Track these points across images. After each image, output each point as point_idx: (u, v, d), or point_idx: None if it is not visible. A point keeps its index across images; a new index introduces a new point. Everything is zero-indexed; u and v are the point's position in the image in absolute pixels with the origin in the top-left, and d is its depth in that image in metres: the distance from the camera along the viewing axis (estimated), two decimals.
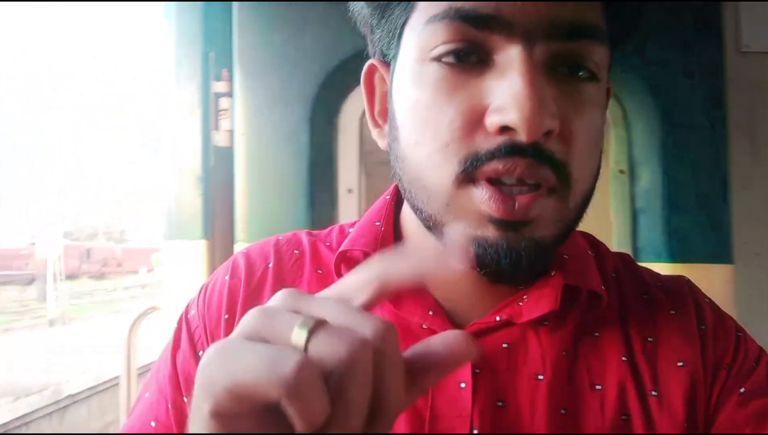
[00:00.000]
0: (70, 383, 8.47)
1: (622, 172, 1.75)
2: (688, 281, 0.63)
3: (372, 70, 0.60)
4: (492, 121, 0.46)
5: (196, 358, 0.59)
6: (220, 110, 1.33)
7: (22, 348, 12.13)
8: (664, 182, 1.45)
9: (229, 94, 1.32)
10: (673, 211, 1.40)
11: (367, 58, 0.60)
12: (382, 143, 0.60)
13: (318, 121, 1.26)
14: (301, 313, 0.32)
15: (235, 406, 0.30)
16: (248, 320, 0.33)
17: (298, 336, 0.31)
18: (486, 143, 0.46)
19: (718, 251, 1.38)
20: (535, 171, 0.46)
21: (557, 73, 0.47)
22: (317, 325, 0.31)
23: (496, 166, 0.46)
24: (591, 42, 0.48)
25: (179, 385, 0.58)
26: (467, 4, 0.46)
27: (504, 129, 0.45)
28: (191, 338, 0.60)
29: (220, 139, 1.33)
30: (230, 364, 0.30)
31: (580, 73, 0.48)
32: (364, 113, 1.35)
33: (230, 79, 1.32)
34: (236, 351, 0.30)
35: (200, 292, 0.64)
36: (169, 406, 0.58)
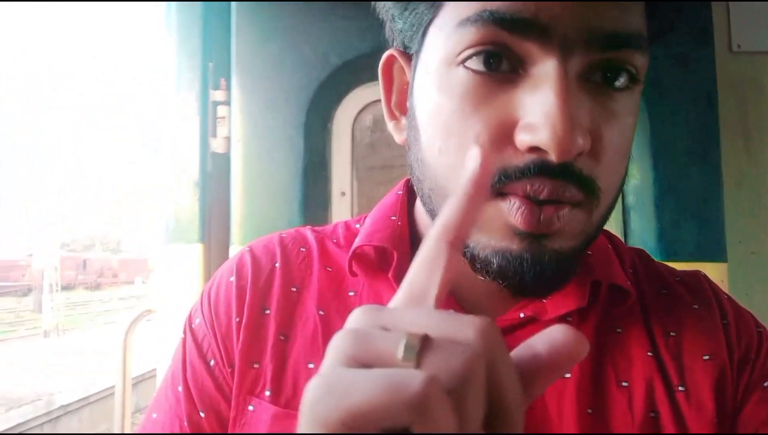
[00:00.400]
0: (63, 394, 8.45)
1: None
2: (705, 276, 0.62)
3: (391, 60, 0.58)
4: (522, 139, 0.44)
5: (208, 369, 0.56)
6: (218, 118, 1.37)
7: (17, 358, 12.08)
8: (655, 180, 1.45)
9: (227, 103, 1.36)
10: (665, 208, 1.41)
11: (377, 51, 0.58)
12: (397, 137, 0.58)
13: (312, 127, 1.31)
14: (394, 331, 0.31)
15: None
16: (339, 346, 0.31)
17: (407, 355, 0.29)
18: (514, 160, 0.45)
19: (711, 249, 1.38)
20: (562, 191, 0.45)
21: (592, 82, 0.46)
22: (424, 343, 0.29)
23: (524, 185, 0.44)
24: (632, 51, 0.45)
25: (193, 400, 0.56)
26: (503, 6, 0.44)
27: (533, 148, 0.44)
28: (199, 349, 0.58)
29: (217, 145, 1.37)
30: (343, 396, 0.28)
31: (617, 83, 0.46)
32: (356, 119, 1.39)
33: (228, 88, 1.36)
34: (345, 381, 0.29)
35: (203, 298, 0.61)
36: (185, 423, 0.56)
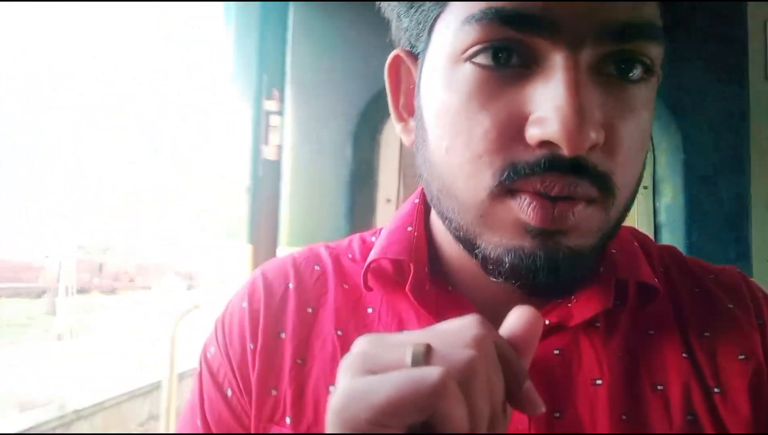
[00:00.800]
0: (76, 398, 8.63)
1: (645, 187, 1.91)
2: (741, 273, 0.60)
3: (397, 60, 0.57)
4: (532, 133, 0.43)
5: (225, 400, 0.57)
6: (270, 126, 1.51)
7: (29, 361, 12.32)
8: (686, 199, 1.59)
9: (279, 113, 1.50)
10: (694, 226, 1.52)
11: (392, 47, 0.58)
12: (406, 139, 0.58)
13: (361, 137, 1.44)
14: (399, 346, 0.35)
15: None
16: (351, 364, 0.35)
17: (416, 358, 0.33)
18: (525, 156, 0.44)
19: (737, 264, 1.47)
20: (574, 187, 0.44)
21: (605, 75, 0.45)
22: (428, 349, 0.33)
23: (534, 182, 0.44)
24: (645, 42, 0.45)
25: (210, 432, 0.57)
26: (509, 5, 0.43)
27: (544, 142, 0.43)
28: (215, 379, 0.58)
29: (268, 152, 1.51)
30: (369, 397, 0.32)
31: (631, 75, 0.45)
32: None
33: (280, 99, 1.50)
34: (367, 385, 0.32)
35: (216, 327, 0.61)
36: None
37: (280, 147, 1.49)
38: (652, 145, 1.83)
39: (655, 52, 0.46)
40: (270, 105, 1.51)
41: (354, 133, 1.43)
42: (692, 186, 1.59)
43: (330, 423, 0.33)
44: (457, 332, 0.36)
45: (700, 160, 1.63)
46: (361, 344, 0.37)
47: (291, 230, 1.44)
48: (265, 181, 1.50)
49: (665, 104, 1.69)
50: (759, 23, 1.78)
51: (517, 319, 0.39)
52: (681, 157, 1.65)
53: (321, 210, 1.43)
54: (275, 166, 1.49)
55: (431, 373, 0.31)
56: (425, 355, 0.33)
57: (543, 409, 0.37)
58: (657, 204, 1.71)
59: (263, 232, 1.48)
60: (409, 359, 0.33)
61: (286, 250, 1.42)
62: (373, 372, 0.34)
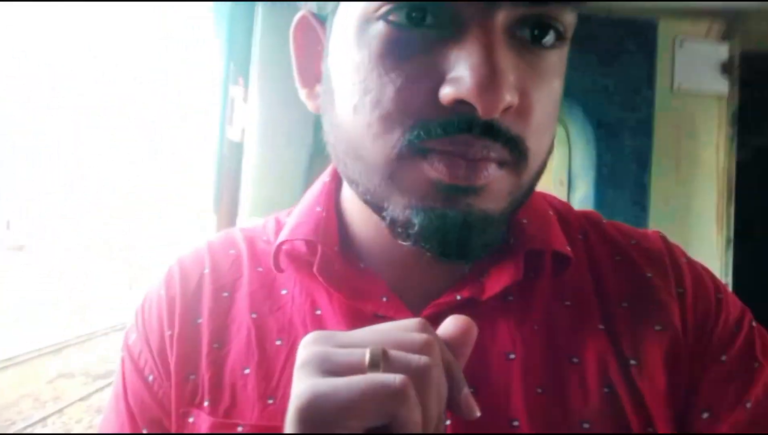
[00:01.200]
0: None
1: (561, 182, 2.20)
2: (663, 238, 0.60)
3: (304, 22, 0.56)
4: (446, 92, 0.43)
5: (147, 385, 0.58)
6: (235, 110, 1.69)
7: None
8: (596, 193, 1.89)
9: (243, 99, 1.69)
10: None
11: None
12: (311, 105, 0.57)
13: (320, 122, 1.63)
14: (353, 348, 0.37)
15: None
16: (308, 364, 0.37)
17: (374, 362, 0.35)
18: (436, 116, 0.43)
19: None
20: (487, 151, 0.44)
21: (520, 38, 0.45)
22: (384, 354, 0.35)
23: (445, 144, 0.44)
24: (560, 7, 0.45)
25: (134, 417, 0.58)
26: None
27: (458, 103, 0.42)
28: (136, 366, 0.59)
29: (233, 133, 1.69)
30: (333, 399, 0.33)
31: (544, 40, 0.46)
32: None
33: (245, 85, 1.69)
34: (333, 387, 0.34)
35: (137, 315, 0.61)
36: None
37: (243, 129, 1.68)
38: (569, 143, 2.13)
39: (569, 18, 0.46)
40: (235, 91, 1.69)
41: (314, 118, 1.63)
42: (602, 184, 1.91)
43: (291, 421, 0.34)
44: (405, 335, 0.38)
45: (609, 159, 1.94)
46: (311, 343, 0.38)
47: (253, 202, 1.64)
48: (228, 159, 1.69)
49: (582, 108, 1.98)
50: (668, 40, 2.09)
51: (453, 325, 0.41)
52: (594, 156, 1.96)
53: (279, 186, 1.64)
54: (238, 146, 1.68)
55: (394, 379, 0.34)
56: (383, 360, 0.35)
57: (478, 414, 0.39)
58: (571, 197, 2.01)
59: (226, 204, 1.67)
60: (367, 363, 0.35)
61: (247, 219, 1.63)
62: (331, 373, 0.35)
